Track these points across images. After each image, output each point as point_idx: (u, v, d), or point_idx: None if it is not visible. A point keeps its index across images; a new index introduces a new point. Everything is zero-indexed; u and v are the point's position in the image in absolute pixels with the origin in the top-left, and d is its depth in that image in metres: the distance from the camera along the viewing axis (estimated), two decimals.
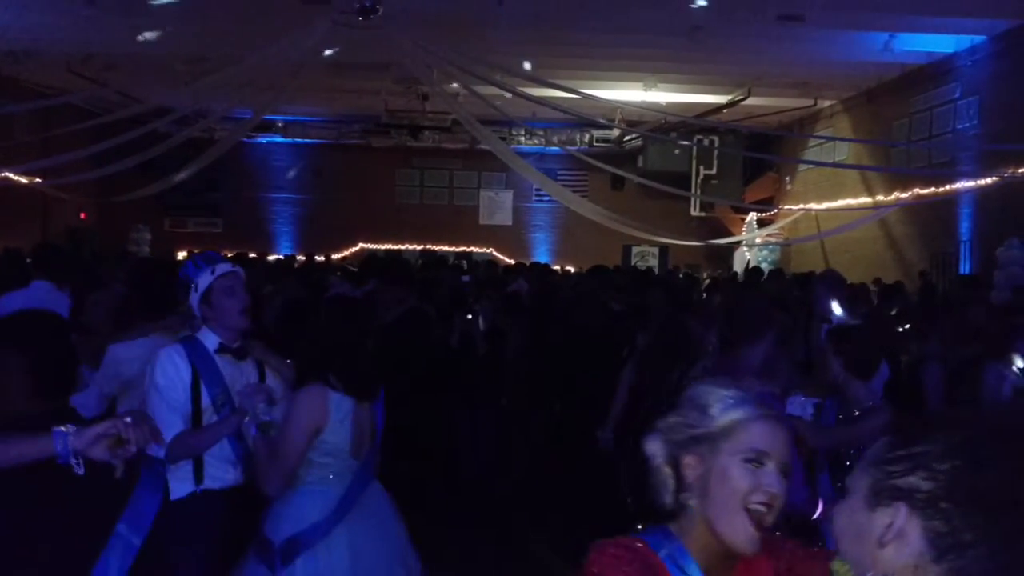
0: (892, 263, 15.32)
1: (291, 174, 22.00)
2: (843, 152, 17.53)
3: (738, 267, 18.69)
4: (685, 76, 16.13)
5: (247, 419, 3.37)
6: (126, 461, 2.29)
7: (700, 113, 17.71)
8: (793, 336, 5.90)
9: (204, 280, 3.54)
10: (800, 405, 3.96)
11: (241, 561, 3.41)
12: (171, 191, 17.03)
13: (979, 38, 13.22)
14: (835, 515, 1.37)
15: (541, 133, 19.84)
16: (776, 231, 19.65)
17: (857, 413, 4.07)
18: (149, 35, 13.03)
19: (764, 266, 16.38)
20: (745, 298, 6.25)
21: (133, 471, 2.97)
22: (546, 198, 20.87)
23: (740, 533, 1.72)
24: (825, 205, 17.54)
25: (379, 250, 20.13)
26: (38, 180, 15.58)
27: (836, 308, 5.97)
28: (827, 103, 18.09)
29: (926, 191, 14.50)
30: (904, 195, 14.98)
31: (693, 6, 11.36)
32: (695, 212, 20.73)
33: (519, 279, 10.50)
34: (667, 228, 16.91)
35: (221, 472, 3.51)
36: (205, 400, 3.48)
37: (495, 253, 20.99)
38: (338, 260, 18.68)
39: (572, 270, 17.10)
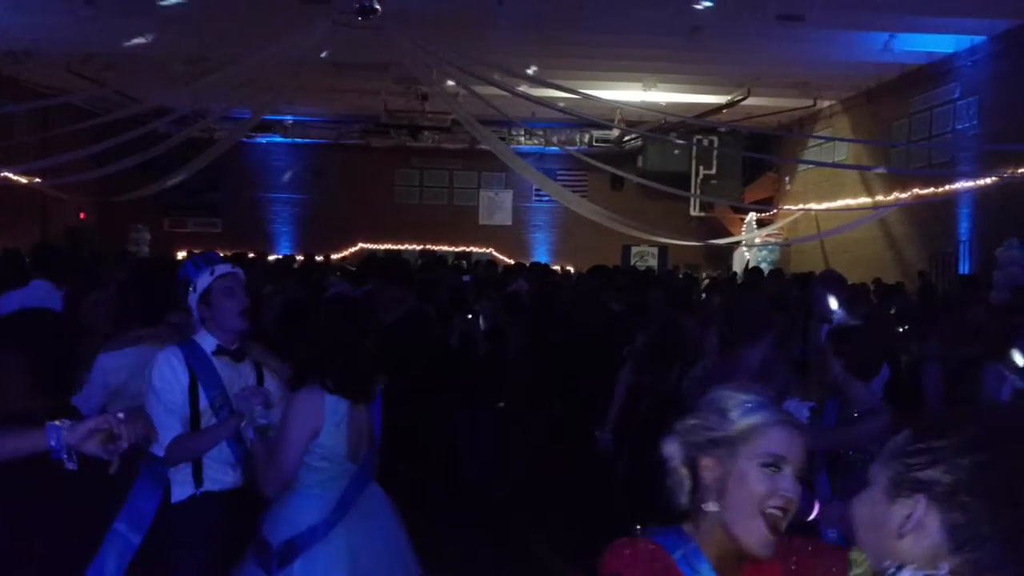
0: (891, 263, 15.32)
1: (286, 177, 22.00)
2: (842, 152, 17.53)
3: (737, 267, 18.69)
4: (685, 76, 16.13)
5: (244, 422, 3.36)
6: (121, 457, 2.30)
7: (700, 113, 17.72)
8: (791, 336, 5.91)
9: (203, 281, 3.53)
10: (795, 408, 3.96)
11: (239, 563, 3.40)
12: (170, 191, 17.01)
13: (979, 38, 13.22)
14: (854, 506, 1.41)
15: (541, 133, 19.84)
16: (775, 231, 19.65)
17: (856, 415, 4.07)
18: (138, 40, 13.06)
19: (764, 266, 16.37)
20: (745, 299, 6.25)
21: (133, 469, 2.98)
22: (546, 198, 20.87)
23: (756, 536, 1.74)
24: (825, 205, 17.54)
25: (378, 250, 20.11)
26: (37, 180, 15.57)
27: (833, 303, 5.97)
28: (827, 103, 18.09)
29: (925, 191, 14.50)
30: (903, 195, 14.98)
31: (699, 7, 11.36)
32: (694, 212, 20.74)
33: (519, 279, 10.50)
34: (666, 228, 16.92)
35: (220, 474, 3.51)
36: (203, 402, 3.46)
37: (495, 253, 20.98)
38: (337, 260, 18.67)
39: (572, 270, 17.10)
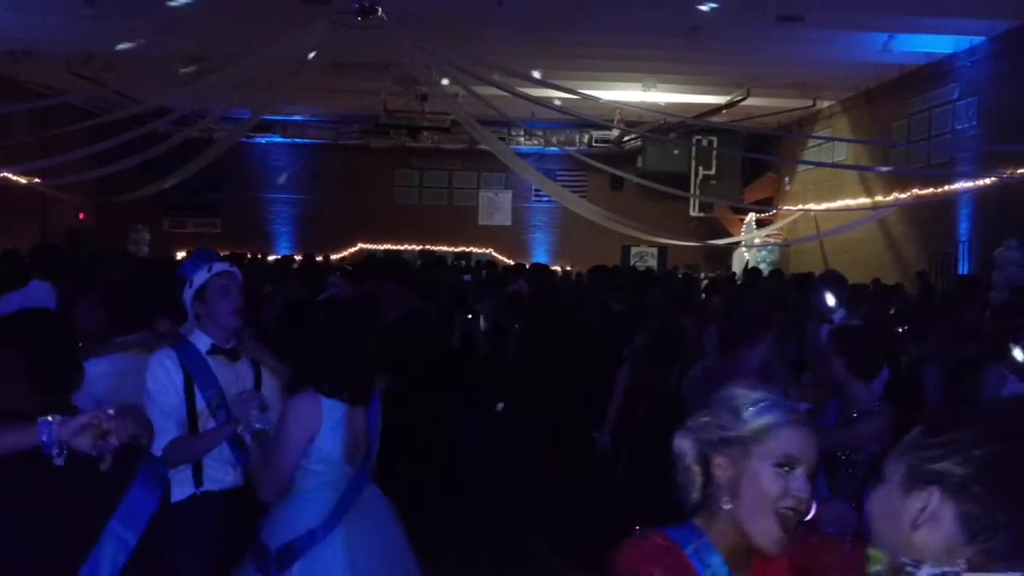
0: (891, 264, 15.32)
1: (282, 179, 22.00)
2: (842, 153, 17.54)
3: (737, 268, 18.69)
4: (684, 77, 16.14)
5: (240, 427, 3.35)
6: (117, 455, 2.30)
7: (699, 114, 17.73)
8: (789, 336, 5.91)
9: (200, 277, 3.53)
10: None
11: (238, 566, 3.39)
12: (170, 191, 17.01)
13: (978, 39, 13.22)
14: (870, 501, 1.43)
15: (540, 133, 19.84)
16: (775, 232, 19.65)
17: (855, 415, 4.07)
18: (126, 45, 13.07)
19: (763, 267, 16.38)
20: (744, 299, 6.26)
21: (132, 468, 2.98)
22: (545, 198, 20.87)
23: (768, 535, 1.77)
24: (824, 206, 17.54)
25: (378, 250, 20.12)
26: (37, 180, 15.57)
27: (830, 299, 5.98)
28: (826, 103, 18.10)
29: (925, 192, 14.51)
30: (903, 196, 14.98)
31: (704, 8, 11.36)
32: (694, 212, 20.74)
33: (519, 280, 10.49)
34: (666, 228, 16.92)
35: (221, 474, 3.50)
36: (200, 403, 3.45)
37: (494, 253, 20.98)
38: (337, 260, 18.67)
39: (571, 270, 17.10)
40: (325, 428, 3.35)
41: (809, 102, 17.76)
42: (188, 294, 3.54)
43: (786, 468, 1.78)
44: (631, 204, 19.11)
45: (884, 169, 15.33)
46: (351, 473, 3.44)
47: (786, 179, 20.52)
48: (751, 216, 19.86)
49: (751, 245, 19.29)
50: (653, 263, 18.50)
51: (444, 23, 12.37)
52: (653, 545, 1.78)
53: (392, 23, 11.46)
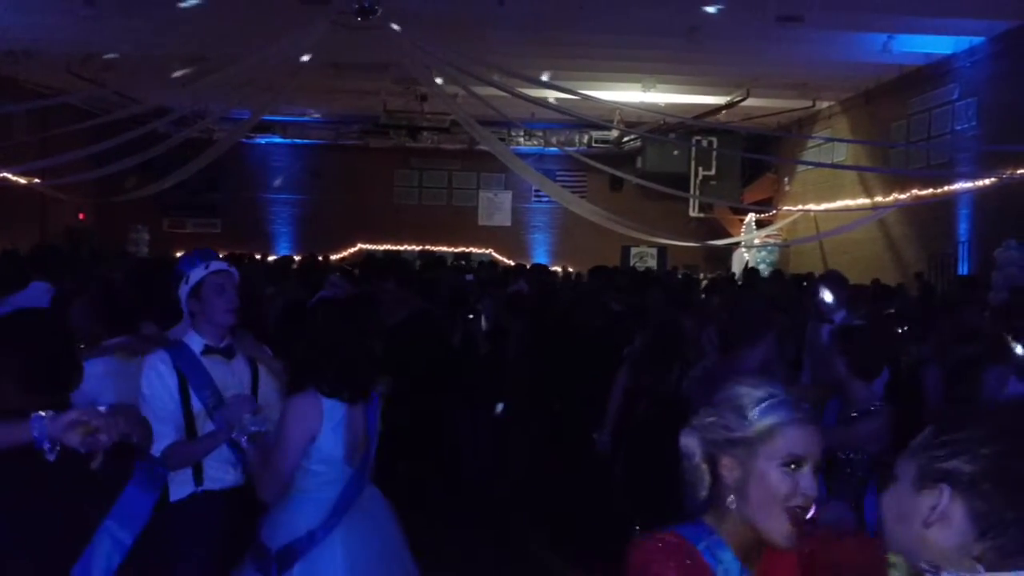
0: (891, 264, 15.33)
1: (277, 182, 22.00)
2: (842, 153, 17.54)
3: (736, 268, 18.69)
4: (684, 77, 16.15)
5: (235, 432, 3.33)
6: (106, 453, 2.30)
7: (699, 114, 17.73)
8: (789, 336, 5.91)
9: (197, 274, 3.52)
10: None
11: (238, 567, 3.38)
12: (170, 191, 17.00)
13: (978, 39, 13.23)
14: (883, 501, 1.46)
15: (540, 134, 19.85)
16: (775, 232, 19.65)
17: (855, 415, 4.07)
18: (112, 55, 13.11)
19: (763, 267, 16.38)
20: (745, 300, 6.26)
21: (127, 467, 2.97)
22: (545, 199, 20.87)
23: (778, 531, 1.79)
24: (824, 206, 17.54)
25: (378, 251, 20.12)
26: (36, 180, 15.58)
27: (827, 295, 5.98)
28: (826, 104, 18.11)
29: (924, 192, 14.51)
30: (902, 196, 14.99)
31: (708, 9, 11.36)
32: (694, 213, 20.74)
33: (519, 280, 10.48)
34: (666, 229, 16.93)
35: (221, 473, 3.49)
36: (196, 405, 3.43)
37: (494, 254, 20.98)
38: (336, 261, 18.67)
39: (571, 270, 17.09)
40: (326, 428, 3.34)
41: (809, 102, 17.76)
42: (184, 290, 3.52)
43: (793, 467, 1.79)
44: (631, 204, 19.11)
45: (884, 170, 15.33)
46: (351, 473, 3.43)
47: (786, 179, 20.52)
48: (751, 216, 19.87)
49: (751, 245, 19.30)
50: (653, 263, 18.49)
51: (444, 23, 12.38)
52: (667, 543, 1.79)
53: (392, 23, 11.46)
